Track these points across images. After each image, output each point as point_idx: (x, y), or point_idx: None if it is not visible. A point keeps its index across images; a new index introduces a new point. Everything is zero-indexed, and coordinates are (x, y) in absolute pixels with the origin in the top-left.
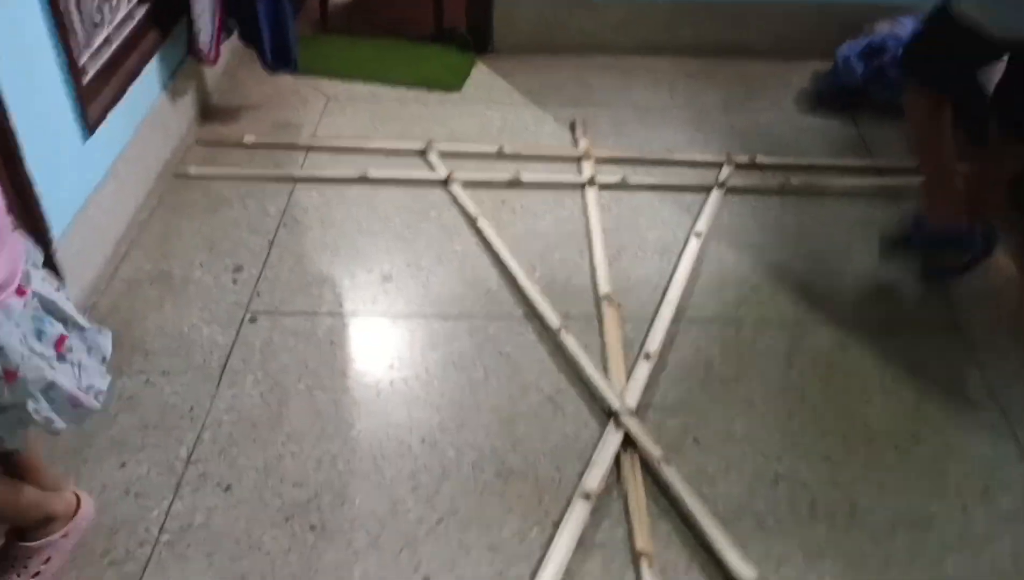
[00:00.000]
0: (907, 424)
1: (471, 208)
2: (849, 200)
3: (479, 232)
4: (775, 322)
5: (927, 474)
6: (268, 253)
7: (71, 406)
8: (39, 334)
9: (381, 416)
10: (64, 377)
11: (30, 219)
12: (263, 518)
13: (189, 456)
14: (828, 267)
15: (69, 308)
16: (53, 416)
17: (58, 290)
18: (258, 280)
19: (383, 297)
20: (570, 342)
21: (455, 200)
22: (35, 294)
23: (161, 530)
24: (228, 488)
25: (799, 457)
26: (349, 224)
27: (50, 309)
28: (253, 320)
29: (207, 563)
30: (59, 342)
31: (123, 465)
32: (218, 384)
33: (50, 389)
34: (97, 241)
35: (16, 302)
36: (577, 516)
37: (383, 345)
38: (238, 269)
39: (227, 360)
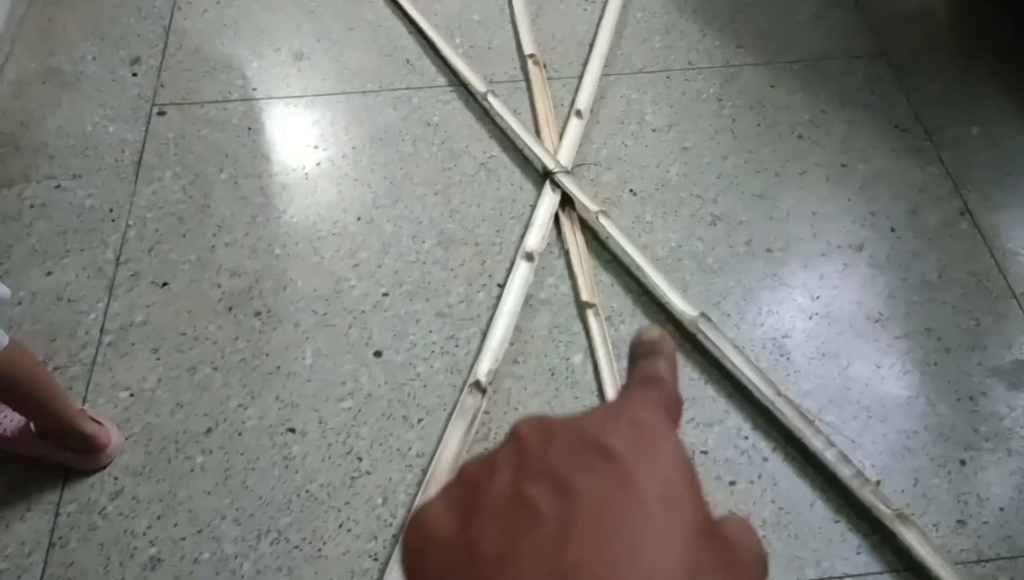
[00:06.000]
0: (837, 154)
1: None
2: None
3: None
4: (704, 66)
5: (858, 200)
6: (166, 40)
7: None
8: None
9: (311, 198)
10: None
11: None
12: (205, 309)
13: (117, 257)
14: (754, 4)
15: None
16: None
17: None
18: (160, 70)
19: (297, 76)
20: (498, 106)
21: None
22: None
23: (102, 331)
24: (164, 285)
25: (735, 197)
26: (248, 0)
27: None
28: (161, 113)
29: (155, 358)
30: None
31: (49, 273)
32: (135, 182)
33: None
34: None
35: None
36: (521, 276)
37: (304, 126)
38: (135, 61)
39: (140, 157)
